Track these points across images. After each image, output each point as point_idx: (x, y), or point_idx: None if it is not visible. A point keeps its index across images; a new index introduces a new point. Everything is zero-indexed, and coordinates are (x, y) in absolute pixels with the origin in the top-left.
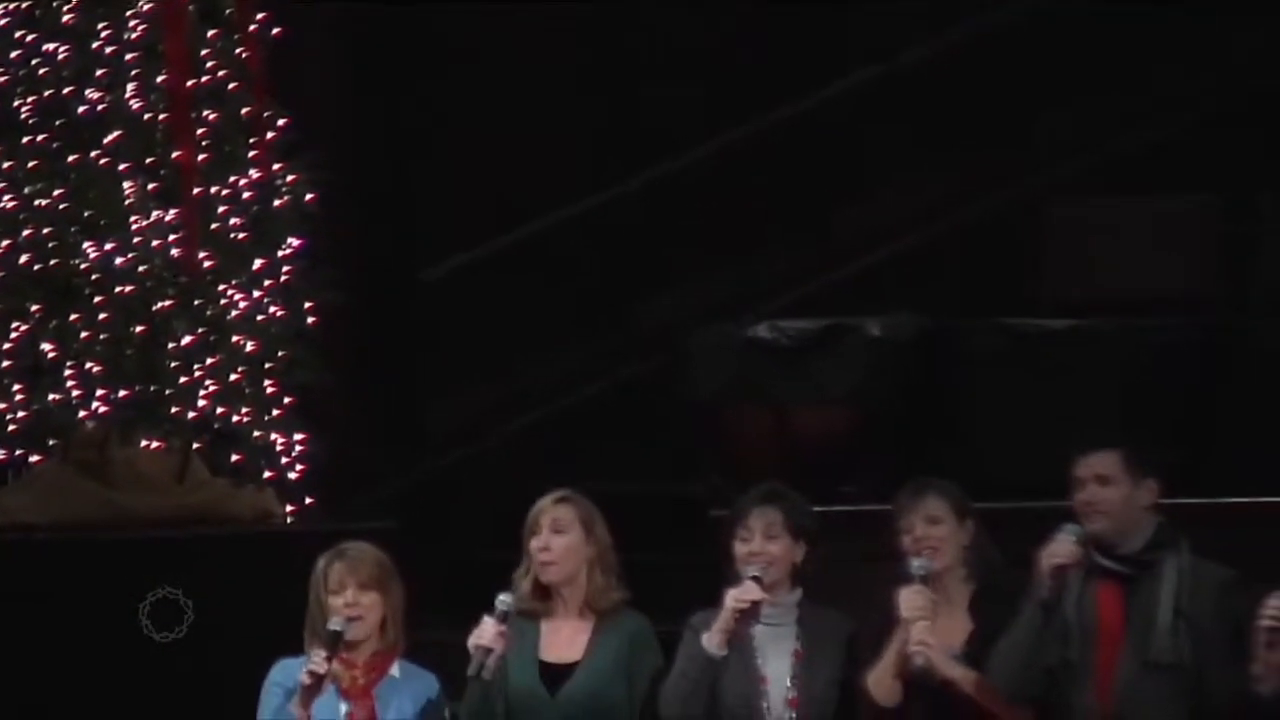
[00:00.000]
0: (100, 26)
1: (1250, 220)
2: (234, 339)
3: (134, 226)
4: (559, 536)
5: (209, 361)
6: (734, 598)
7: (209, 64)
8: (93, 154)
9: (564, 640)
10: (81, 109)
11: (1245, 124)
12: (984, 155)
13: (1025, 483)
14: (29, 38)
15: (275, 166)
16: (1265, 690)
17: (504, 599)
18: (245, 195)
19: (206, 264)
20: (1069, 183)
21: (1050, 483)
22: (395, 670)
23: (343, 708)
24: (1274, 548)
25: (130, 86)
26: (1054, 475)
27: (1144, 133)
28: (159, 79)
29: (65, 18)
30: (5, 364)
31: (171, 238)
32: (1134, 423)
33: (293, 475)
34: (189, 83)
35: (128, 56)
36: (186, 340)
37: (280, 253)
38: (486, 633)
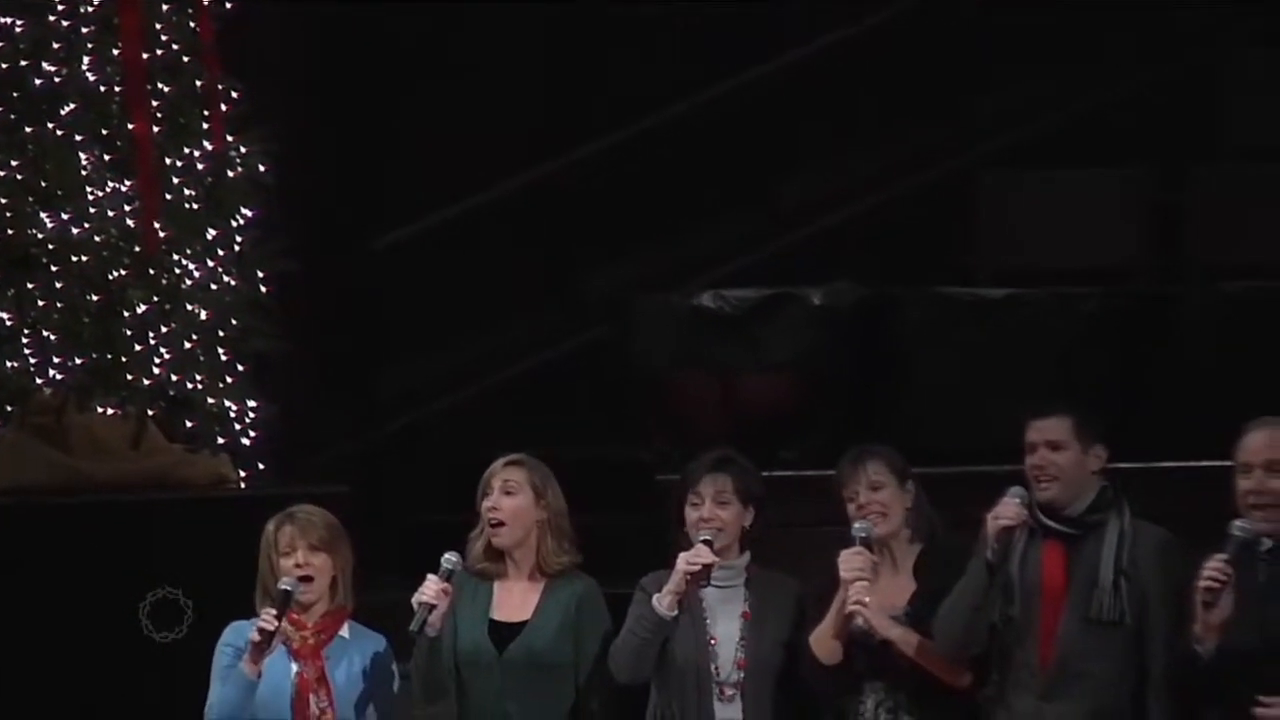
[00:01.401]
0: (56, 0)
1: (1179, 190)
2: (189, 308)
3: (90, 197)
4: (509, 498)
5: (164, 330)
6: (685, 561)
7: (163, 37)
8: (49, 126)
9: (515, 600)
10: (38, 81)
11: (1174, 96)
12: (921, 129)
13: (962, 447)
14: None
15: (229, 138)
16: (1204, 650)
17: (449, 558)
18: (200, 166)
19: (162, 234)
20: (1004, 155)
21: (986, 447)
22: (345, 631)
23: (293, 667)
24: (1201, 510)
25: (86, 59)
26: (990, 440)
27: (1075, 105)
28: (114, 52)
29: None
30: None
31: (127, 208)
32: (1066, 389)
33: (246, 441)
34: (144, 56)
35: (84, 30)
36: (142, 309)
37: (234, 223)
38: (429, 589)
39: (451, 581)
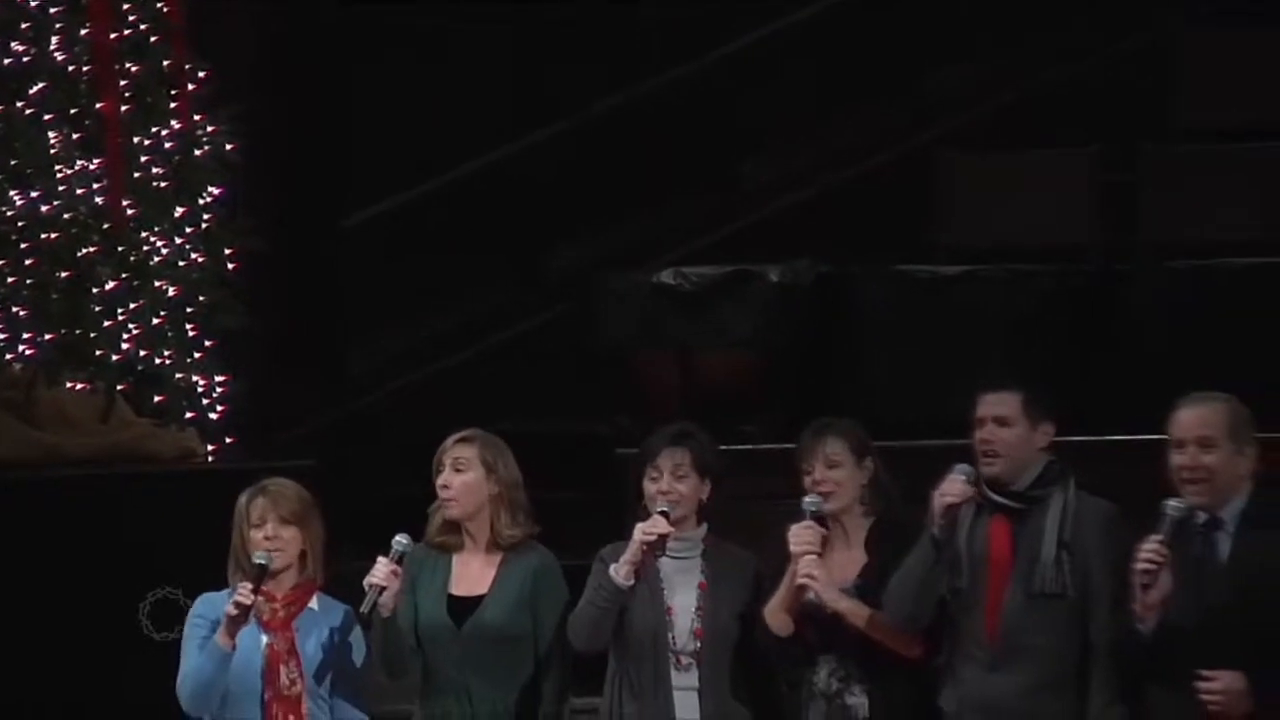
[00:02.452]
0: None
1: (1130, 170)
2: (157, 284)
3: (59, 175)
4: (459, 475)
5: (132, 306)
6: (642, 531)
7: (131, 17)
8: (18, 105)
9: (473, 574)
10: (7, 61)
11: (1126, 76)
12: (879, 109)
13: (918, 421)
14: None
15: (196, 117)
16: (1144, 628)
17: (400, 540)
18: (167, 145)
19: (130, 212)
20: (960, 136)
21: (942, 421)
22: (314, 603)
23: (263, 639)
24: (1150, 483)
25: (55, 39)
26: (945, 414)
27: (1029, 86)
28: (83, 32)
29: None
30: None
31: (96, 186)
32: (1020, 364)
33: (214, 415)
34: (112, 36)
35: (52, 10)
36: (111, 285)
37: (201, 201)
38: (379, 571)
39: (402, 563)
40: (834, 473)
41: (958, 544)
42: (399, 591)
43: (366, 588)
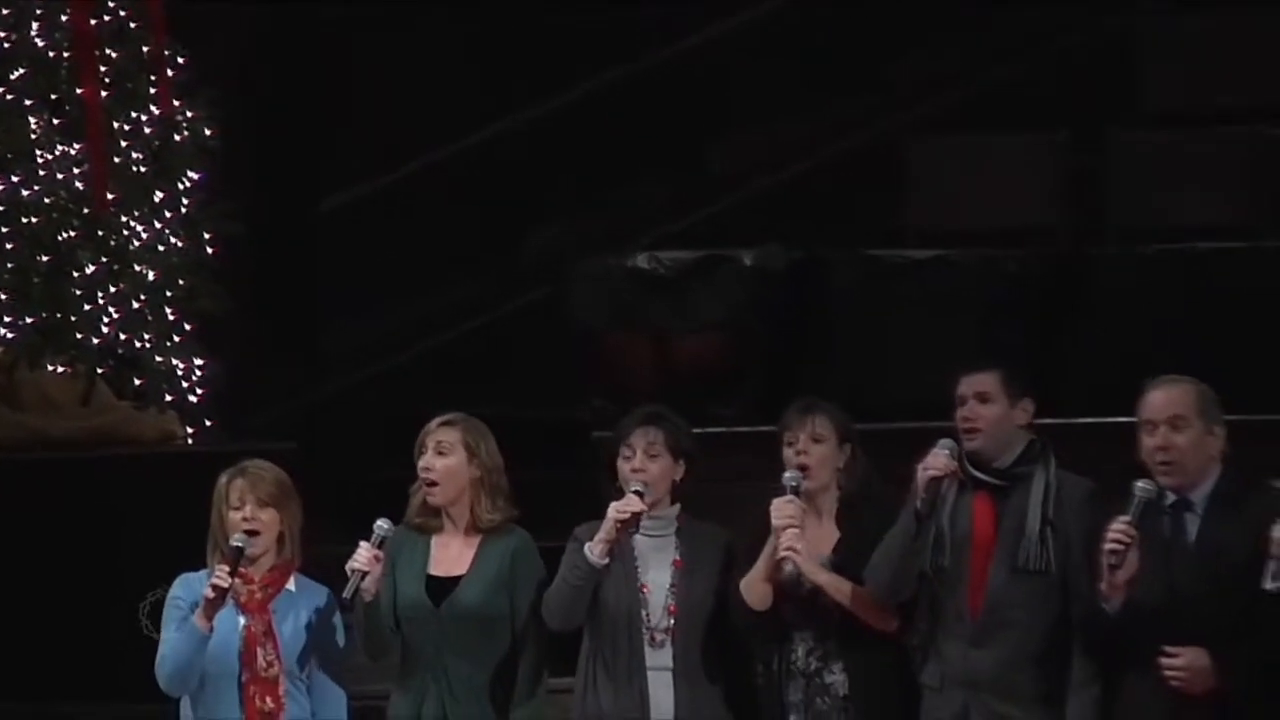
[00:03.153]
0: None
1: (1097, 155)
2: (137, 268)
3: (40, 160)
4: (442, 458)
5: (113, 290)
6: (616, 509)
7: (111, 4)
8: None
9: (451, 555)
10: None
11: (1093, 62)
12: (850, 95)
13: (888, 404)
14: None
15: (176, 103)
16: (1110, 607)
17: (381, 525)
18: (147, 131)
19: (110, 196)
20: (930, 121)
21: (912, 403)
22: (291, 584)
23: (240, 620)
24: (1115, 464)
25: (35, 25)
26: (915, 397)
27: (998, 72)
28: (63, 18)
29: None
30: None
31: (76, 171)
32: (989, 347)
33: (193, 398)
34: (92, 22)
35: None
36: (91, 269)
37: (181, 186)
38: (361, 557)
39: (383, 547)
40: (818, 448)
41: (941, 522)
42: (381, 576)
43: (349, 573)
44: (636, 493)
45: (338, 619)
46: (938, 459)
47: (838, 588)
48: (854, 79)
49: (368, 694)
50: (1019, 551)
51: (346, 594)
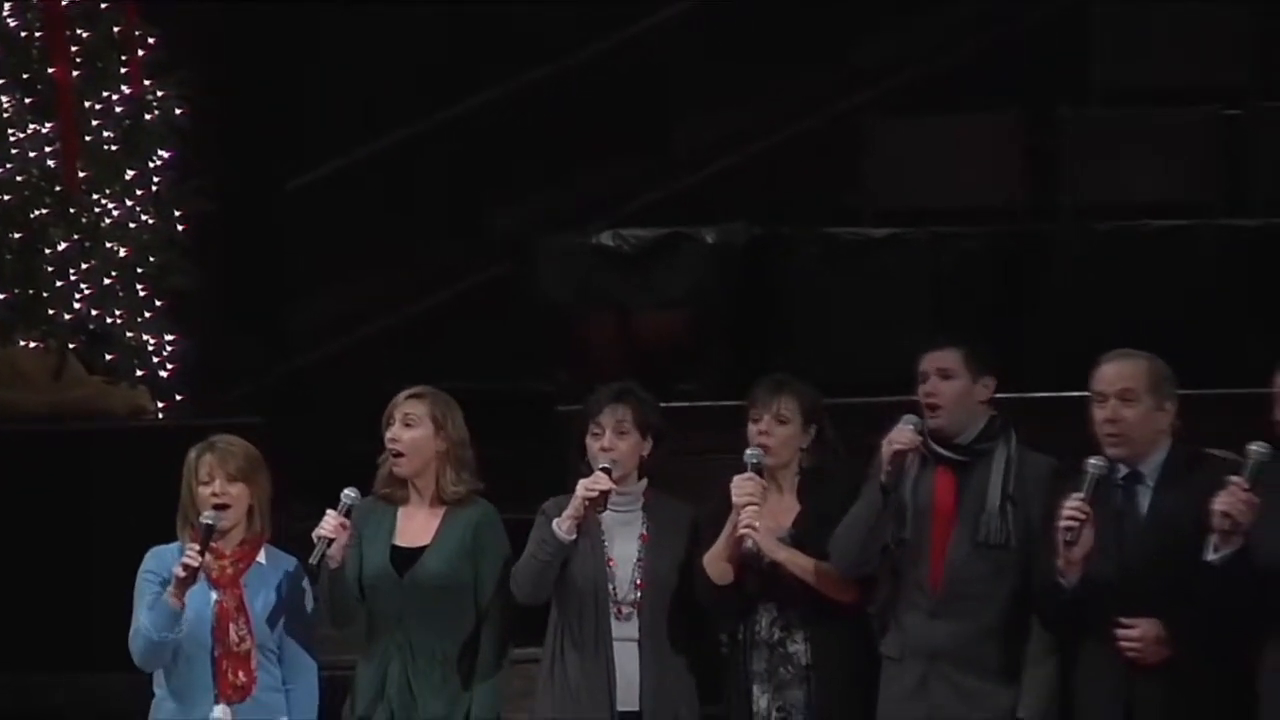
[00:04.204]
0: None
1: (1052, 133)
2: (108, 245)
3: (12, 139)
4: (409, 430)
5: (84, 266)
6: (585, 486)
7: None
8: None
9: (416, 526)
10: None
11: (1046, 41)
12: (808, 76)
13: (847, 379)
14: None
15: (146, 82)
16: (1067, 583)
17: (348, 494)
18: (118, 110)
19: (81, 175)
20: (887, 101)
21: (871, 379)
22: (262, 557)
23: (212, 596)
24: (1074, 438)
25: (7, 6)
26: (873, 372)
27: (953, 52)
28: None
29: None
30: None
31: (48, 149)
32: (946, 323)
33: (164, 373)
34: (63, 3)
35: None
36: (63, 246)
37: (151, 164)
38: (328, 524)
39: (350, 516)
40: (781, 429)
41: (903, 496)
42: (347, 544)
43: (315, 539)
44: (605, 470)
45: (307, 588)
46: (902, 434)
47: (796, 563)
48: (813, 60)
49: (337, 664)
50: (979, 525)
51: (313, 560)
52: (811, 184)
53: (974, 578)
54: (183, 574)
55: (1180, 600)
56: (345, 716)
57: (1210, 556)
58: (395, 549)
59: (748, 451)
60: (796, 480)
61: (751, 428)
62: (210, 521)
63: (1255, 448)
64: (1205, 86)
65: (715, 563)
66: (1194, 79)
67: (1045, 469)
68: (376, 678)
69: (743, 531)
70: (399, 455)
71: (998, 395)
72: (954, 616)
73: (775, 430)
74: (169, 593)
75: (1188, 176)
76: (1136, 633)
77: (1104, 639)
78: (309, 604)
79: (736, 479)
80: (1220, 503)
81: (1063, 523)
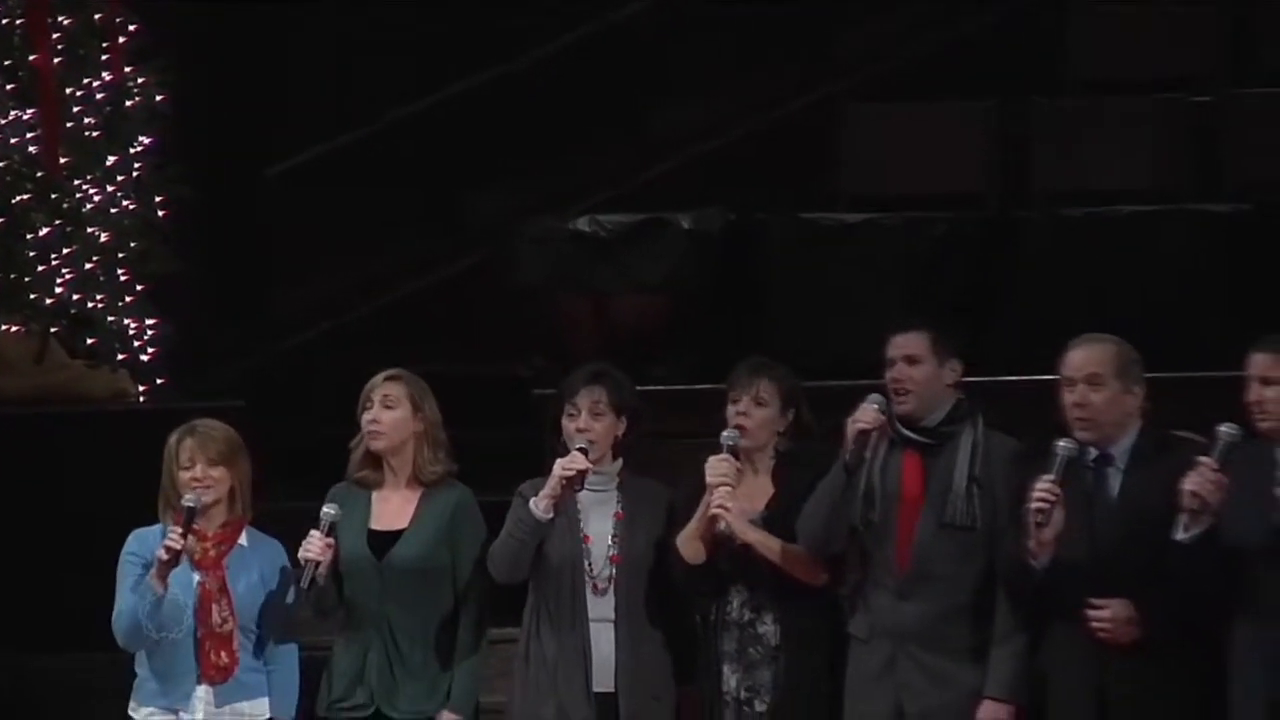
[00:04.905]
0: None
1: (1024, 122)
2: (89, 230)
3: None
4: (389, 411)
5: (66, 251)
6: (561, 466)
7: None
8: None
9: (392, 510)
10: None
11: (1020, 32)
12: (786, 64)
13: (821, 363)
14: None
15: (127, 69)
16: (1038, 564)
17: (328, 511)
18: (99, 96)
19: (63, 160)
20: (862, 89)
21: (845, 362)
22: (243, 539)
23: (195, 578)
24: (1043, 421)
25: None
26: (848, 355)
27: (928, 41)
28: None
29: None
30: None
31: (30, 135)
32: (920, 307)
33: (145, 357)
34: None
35: None
36: (45, 231)
37: (132, 150)
38: (314, 546)
39: (333, 533)
40: (759, 411)
41: (871, 478)
42: (332, 561)
43: (302, 562)
44: (581, 450)
45: (288, 571)
46: (866, 413)
47: (767, 545)
48: (790, 49)
49: (316, 645)
50: (946, 507)
51: (303, 584)
52: (787, 170)
53: (940, 559)
54: (165, 557)
55: (1150, 581)
56: (320, 698)
57: (1180, 536)
58: (372, 533)
59: (724, 433)
60: (772, 463)
61: (730, 409)
62: (192, 504)
63: (1225, 429)
64: (1175, 75)
65: (688, 542)
66: (1164, 68)
67: (1011, 451)
68: (355, 661)
69: (714, 512)
70: (378, 434)
71: (970, 378)
72: (921, 597)
73: (753, 412)
74: (151, 575)
75: (1157, 163)
76: (1107, 613)
77: (1075, 619)
78: (290, 589)
79: (711, 460)
80: (1190, 482)
81: (1033, 504)
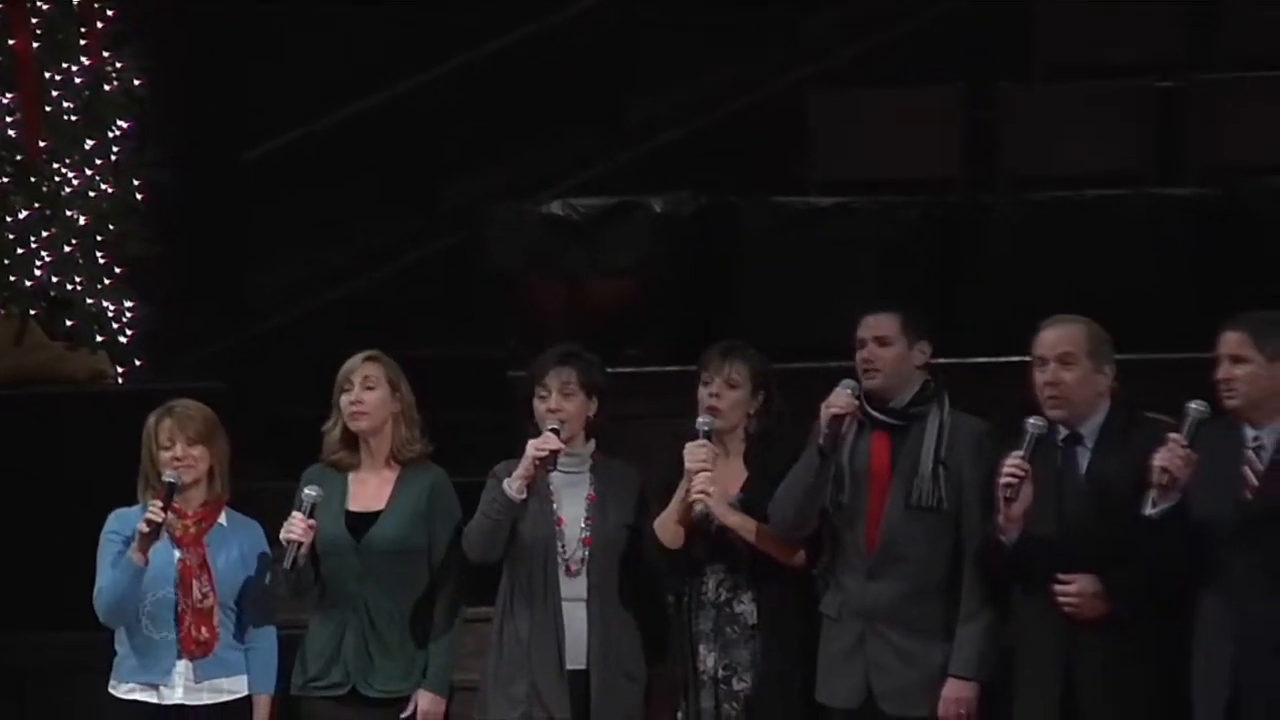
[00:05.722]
0: None
1: (992, 107)
2: (68, 214)
3: None
4: (370, 392)
5: (45, 234)
6: (534, 447)
7: None
8: None
9: (369, 491)
10: None
11: (989, 18)
12: (756, 49)
13: (792, 345)
14: None
15: (105, 54)
16: (1007, 539)
17: (309, 492)
18: (77, 81)
19: (42, 144)
20: (833, 74)
21: (815, 345)
22: (223, 519)
23: (176, 554)
24: (1012, 401)
25: None
26: (818, 338)
27: (898, 27)
28: None
29: None
30: None
31: (9, 120)
32: (890, 290)
33: (123, 339)
34: None
35: None
36: (24, 215)
37: (110, 134)
38: (296, 528)
39: (314, 514)
40: (731, 393)
41: (841, 459)
42: (314, 542)
43: (284, 543)
44: (553, 431)
45: (267, 551)
46: (840, 397)
47: (746, 527)
48: (761, 35)
49: (285, 622)
50: (913, 488)
51: (285, 565)
52: (758, 154)
53: (908, 539)
54: (146, 529)
55: (1117, 557)
56: (295, 676)
57: (1149, 511)
58: (350, 514)
59: (700, 419)
60: (743, 445)
61: (702, 391)
62: (172, 479)
63: (1194, 405)
64: (1137, 62)
65: (667, 526)
66: (1129, 54)
67: (978, 432)
68: (331, 640)
69: (695, 497)
70: (361, 414)
71: (940, 360)
72: (889, 577)
73: (725, 394)
74: (133, 549)
75: (1123, 147)
76: (1075, 588)
77: (1043, 594)
78: (268, 569)
79: (689, 446)
80: (1160, 458)
81: (1002, 480)
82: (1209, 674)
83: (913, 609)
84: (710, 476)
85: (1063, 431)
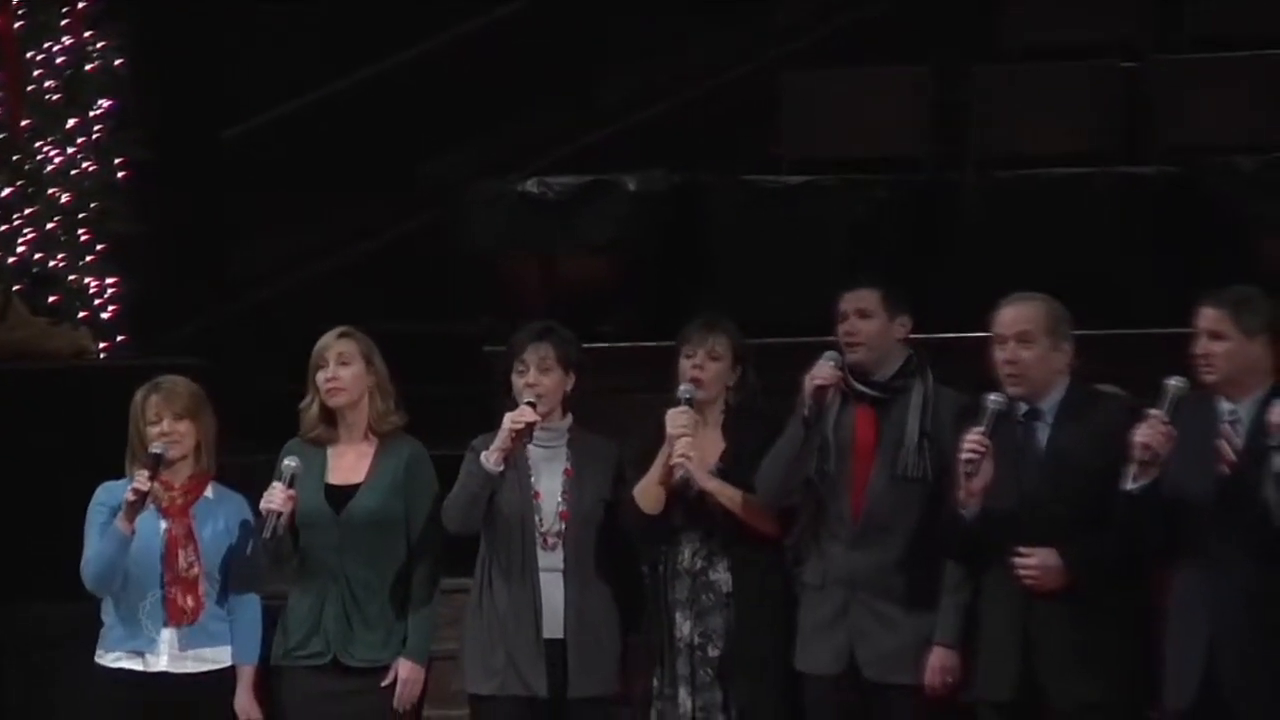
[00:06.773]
0: None
1: (960, 87)
2: (50, 191)
3: None
4: (345, 368)
5: (27, 211)
6: (511, 419)
7: None
8: None
9: (348, 464)
10: None
11: (952, 1)
12: (729, 30)
13: (764, 320)
14: None
15: (86, 34)
16: (968, 513)
17: (289, 463)
18: (59, 60)
19: (24, 123)
20: (804, 55)
21: (786, 321)
22: (209, 492)
23: (162, 525)
24: (976, 377)
25: None
26: (789, 313)
27: (866, 9)
28: None
29: None
30: None
31: None
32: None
33: (105, 315)
34: None
35: None
36: (6, 192)
37: (92, 113)
38: (276, 498)
39: (294, 485)
40: (714, 365)
41: (825, 431)
42: (294, 511)
43: (264, 514)
44: (529, 404)
45: (251, 525)
46: (823, 369)
47: (724, 493)
48: (732, 15)
49: (274, 595)
50: (897, 460)
51: (266, 535)
52: (730, 134)
53: (892, 510)
54: (133, 498)
55: (1076, 530)
56: (276, 646)
57: (1129, 486)
58: (329, 488)
59: (681, 387)
60: (722, 417)
61: (684, 363)
62: (159, 450)
63: (1173, 381)
64: (1105, 42)
65: (648, 491)
66: (1095, 35)
67: (959, 405)
68: (312, 611)
69: (676, 461)
70: (338, 390)
71: (912, 335)
72: (873, 547)
73: (708, 366)
74: (120, 518)
75: (1088, 127)
76: (1034, 561)
77: (1004, 567)
78: (252, 541)
79: (670, 412)
80: (1140, 434)
81: (963, 455)
82: (1184, 645)
83: (896, 577)
84: (691, 441)
85: (1023, 408)
